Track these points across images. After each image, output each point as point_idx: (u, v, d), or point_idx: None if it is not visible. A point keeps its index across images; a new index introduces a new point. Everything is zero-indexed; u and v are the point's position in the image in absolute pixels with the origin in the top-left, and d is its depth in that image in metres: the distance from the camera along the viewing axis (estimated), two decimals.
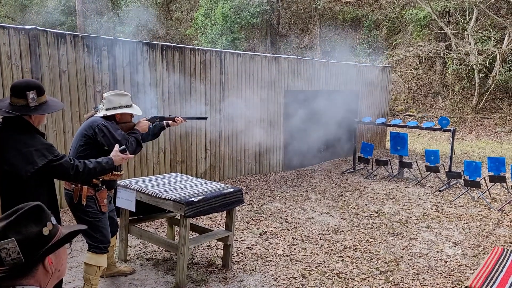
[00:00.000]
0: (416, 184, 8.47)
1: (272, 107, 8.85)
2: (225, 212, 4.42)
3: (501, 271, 2.80)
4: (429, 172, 8.53)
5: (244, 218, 6.18)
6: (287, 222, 6.09)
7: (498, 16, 17.70)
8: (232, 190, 4.28)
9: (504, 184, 7.38)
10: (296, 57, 9.54)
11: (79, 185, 3.34)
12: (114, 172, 3.52)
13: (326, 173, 9.38)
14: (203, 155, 7.83)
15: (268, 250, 5.04)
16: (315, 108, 9.38)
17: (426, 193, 7.84)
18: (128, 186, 4.21)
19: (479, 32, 17.61)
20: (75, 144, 3.51)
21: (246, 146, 8.55)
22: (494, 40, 16.95)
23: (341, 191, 7.94)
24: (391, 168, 9.23)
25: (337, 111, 9.55)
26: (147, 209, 4.60)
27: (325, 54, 20.65)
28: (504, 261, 2.97)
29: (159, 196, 3.97)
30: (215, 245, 5.12)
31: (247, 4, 20.59)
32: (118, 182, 4.38)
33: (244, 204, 6.81)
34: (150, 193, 4.06)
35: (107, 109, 3.51)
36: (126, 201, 4.19)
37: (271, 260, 4.76)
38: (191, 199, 3.87)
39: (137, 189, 4.15)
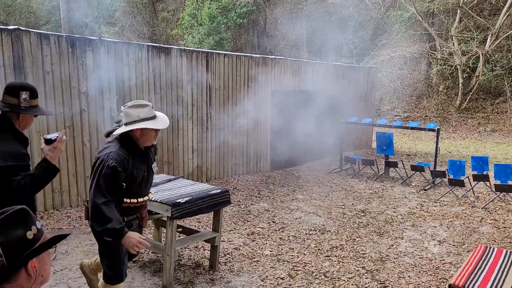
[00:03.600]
0: (401, 183, 8.56)
1: (259, 107, 8.85)
2: (212, 213, 4.42)
3: (484, 268, 2.85)
4: (414, 171, 8.63)
5: (231, 219, 6.18)
6: (275, 222, 6.10)
7: (481, 17, 17.99)
8: (219, 191, 4.28)
9: (487, 183, 7.51)
10: (283, 57, 9.57)
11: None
12: (126, 200, 2.96)
13: (313, 173, 9.42)
14: (190, 155, 7.81)
15: (256, 251, 5.04)
16: (302, 108, 9.42)
17: (411, 192, 7.93)
18: None
19: (463, 33, 17.88)
20: None
21: (233, 147, 8.55)
22: (477, 41, 17.24)
23: (328, 190, 7.99)
24: (377, 168, 9.32)
25: (323, 111, 9.59)
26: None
27: (312, 55, 20.76)
28: (487, 258, 3.02)
29: None
30: (202, 246, 5.11)
31: (233, 5, 20.59)
32: None
33: (232, 204, 6.80)
34: None
35: (125, 124, 2.90)
36: None
37: (258, 261, 4.77)
38: (177, 201, 3.86)
39: None
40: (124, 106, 2.95)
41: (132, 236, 2.79)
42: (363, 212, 6.70)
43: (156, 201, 3.87)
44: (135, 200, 3.00)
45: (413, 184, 8.53)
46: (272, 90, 9.08)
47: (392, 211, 6.80)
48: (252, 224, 6.00)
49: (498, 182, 7.02)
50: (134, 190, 2.96)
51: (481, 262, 2.96)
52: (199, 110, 7.82)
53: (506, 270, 2.84)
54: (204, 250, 5.01)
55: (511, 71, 17.21)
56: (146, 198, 3.14)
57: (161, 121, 3.00)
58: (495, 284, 2.63)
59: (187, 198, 3.95)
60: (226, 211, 6.42)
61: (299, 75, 9.72)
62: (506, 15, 16.44)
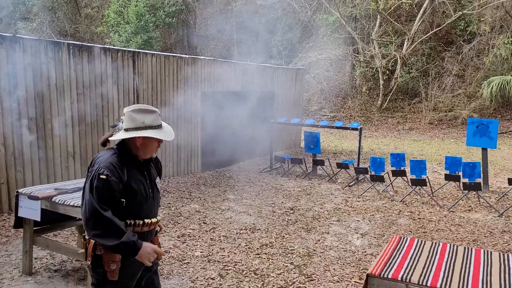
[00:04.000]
0: (328, 181, 8.93)
1: (189, 108, 8.79)
2: None
3: (398, 257, 3.08)
4: (339, 169, 9.04)
5: (161, 222, 6.07)
6: (206, 223, 6.10)
7: (398, 23, 19.26)
8: None
9: (405, 178, 8.06)
10: (213, 58, 9.57)
11: (87, 237, 2.45)
12: (129, 221, 2.47)
13: (244, 172, 9.53)
14: None
15: (186, 253, 5.01)
16: (232, 109, 9.49)
17: (337, 189, 8.30)
18: (31, 194, 3.94)
19: (382, 37, 19.01)
20: None
21: (163, 148, 8.41)
22: (395, 45, 18.43)
23: (258, 190, 8.12)
24: (306, 166, 9.63)
25: (254, 111, 9.74)
26: (56, 218, 4.34)
27: (242, 56, 20.93)
28: (401, 248, 3.26)
29: (68, 204, 3.77)
30: None
31: (162, 3, 20.20)
32: (21, 190, 4.08)
33: (162, 207, 6.69)
34: (57, 201, 3.83)
35: (126, 130, 2.48)
36: (29, 210, 3.92)
37: (188, 262, 4.74)
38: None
39: (43, 197, 3.90)
40: (127, 109, 2.52)
41: (149, 247, 2.37)
42: (292, 209, 6.91)
43: (79, 206, 3.71)
44: (140, 222, 2.47)
45: (338, 181, 8.93)
46: (203, 91, 9.06)
47: (319, 207, 7.07)
48: (183, 226, 5.95)
49: (414, 177, 7.57)
50: (137, 207, 2.47)
51: (395, 251, 3.18)
52: None
53: (417, 257, 3.09)
54: None
55: (425, 73, 18.61)
56: (154, 220, 2.57)
57: (167, 132, 2.59)
58: (407, 271, 2.85)
59: None
60: None
61: (230, 76, 9.79)
62: (420, 21, 17.74)
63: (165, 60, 8.25)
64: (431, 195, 7.57)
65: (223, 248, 5.19)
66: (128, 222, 2.43)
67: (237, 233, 5.74)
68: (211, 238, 5.51)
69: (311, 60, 19.45)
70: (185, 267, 4.62)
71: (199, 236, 5.56)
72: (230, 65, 9.86)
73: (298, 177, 9.23)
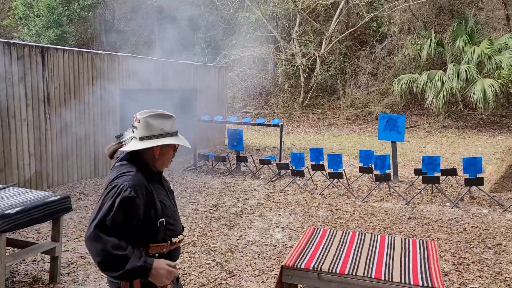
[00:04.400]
0: (251, 177, 9.06)
1: (107, 107, 8.44)
2: (52, 221, 4.08)
3: (311, 248, 3.21)
4: (262, 165, 9.21)
5: (77, 226, 5.78)
6: None
7: (317, 23, 20.02)
8: (57, 197, 3.98)
9: (323, 171, 8.42)
10: (131, 55, 9.27)
11: None
12: (162, 244, 2.18)
13: (168, 172, 9.36)
14: (26, 161, 7.05)
15: None
16: (154, 106, 9.23)
17: (260, 184, 8.45)
18: None
19: (302, 36, 19.64)
20: None
21: (79, 149, 8.00)
22: (314, 44, 19.13)
23: (182, 188, 8.03)
24: (230, 163, 9.70)
25: (176, 109, 9.55)
26: None
27: (164, 52, 20.50)
28: (315, 238, 3.41)
29: None
30: (42, 258, 4.68)
31: None
32: None
33: (78, 211, 6.38)
34: None
35: (141, 138, 2.18)
36: None
37: None
38: (6, 212, 3.48)
39: None
40: (142, 115, 2.23)
41: (161, 265, 2.06)
42: (216, 207, 6.92)
43: None
44: (177, 239, 2.24)
45: (261, 177, 9.10)
46: (121, 88, 8.74)
47: (242, 203, 7.16)
48: None
49: (331, 170, 7.93)
50: (171, 224, 2.22)
51: (309, 242, 3.32)
52: (35, 111, 7.10)
53: (328, 246, 3.25)
54: (44, 262, 4.60)
55: (342, 71, 19.55)
56: (181, 237, 2.32)
57: (183, 139, 2.38)
58: (318, 260, 2.98)
59: (19, 208, 3.59)
60: (71, 219, 5.99)
61: (150, 73, 9.53)
62: (336, 22, 18.59)
63: (78, 57, 7.84)
64: (347, 187, 7.99)
65: None
66: (168, 242, 2.17)
67: None
68: None
69: (235, 57, 19.59)
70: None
71: None
72: (150, 62, 9.61)
73: (222, 175, 9.26)
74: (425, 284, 2.65)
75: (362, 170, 7.93)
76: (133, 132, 2.23)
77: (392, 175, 8.51)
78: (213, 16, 21.54)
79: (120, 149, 2.24)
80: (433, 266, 2.88)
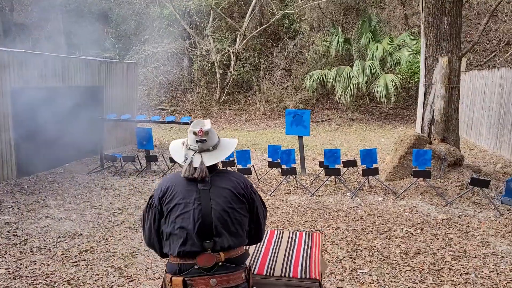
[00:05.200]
0: (162, 176, 8.86)
1: None
2: None
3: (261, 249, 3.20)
4: (173, 163, 9.05)
5: None
6: (16, 235, 5.47)
7: (232, 19, 20.08)
8: None
9: (234, 167, 8.47)
10: (24, 50, 8.58)
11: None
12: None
13: (71, 175, 8.85)
14: None
15: None
16: (54, 106, 8.66)
17: None
18: None
19: (216, 33, 19.60)
20: (226, 205, 2.28)
21: None
22: (229, 40, 19.18)
23: (85, 192, 7.63)
24: (140, 163, 9.40)
25: (80, 108, 9.08)
26: None
27: (71, 48, 19.33)
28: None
29: None
30: None
31: None
32: None
33: None
34: None
35: (215, 147, 2.38)
36: None
37: None
38: None
39: None
40: (206, 126, 2.33)
41: None
42: (121, 209, 6.67)
43: None
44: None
45: None
46: (13, 87, 8.06)
47: None
48: None
49: (240, 167, 8.01)
50: None
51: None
52: None
53: (278, 245, 3.25)
54: None
55: (257, 67, 19.84)
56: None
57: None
58: (271, 260, 2.98)
59: None
60: None
61: (48, 69, 8.91)
62: (249, 18, 18.79)
63: None
64: (257, 182, 8.11)
65: (35, 261, 4.73)
66: None
67: (53, 242, 5.29)
68: (20, 252, 4.97)
69: (148, 53, 19.02)
70: None
71: (5, 251, 4.96)
72: (47, 58, 8.98)
73: (131, 175, 8.95)
74: (303, 276, 2.74)
75: (271, 164, 8.11)
76: (196, 142, 2.31)
77: (300, 168, 8.82)
78: (124, 10, 20.69)
79: (218, 163, 2.41)
80: (314, 257, 3.00)
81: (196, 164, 2.25)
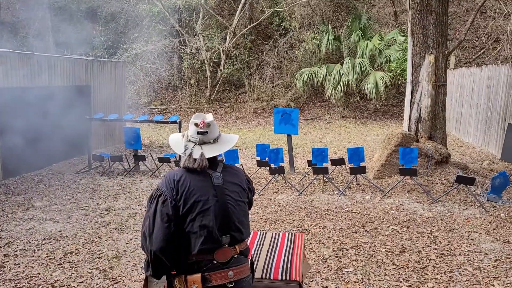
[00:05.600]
0: (151, 176, 8.82)
1: None
2: None
3: None
4: (162, 163, 9.01)
5: None
6: (0, 238, 5.42)
7: (221, 17, 20.01)
8: None
9: None
10: (7, 50, 8.48)
11: None
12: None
13: (58, 175, 8.78)
14: None
15: None
16: (40, 106, 8.58)
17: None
18: None
19: (206, 30, 19.52)
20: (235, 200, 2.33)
21: None
22: (219, 38, 19.11)
23: (72, 192, 7.58)
24: (128, 163, 9.35)
25: (68, 108, 8.99)
26: None
27: (59, 46, 19.16)
28: None
29: None
30: None
31: None
32: None
33: None
34: None
35: (215, 141, 2.36)
36: None
37: None
38: None
39: None
40: (208, 118, 2.32)
41: None
42: (107, 210, 6.63)
43: None
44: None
45: (161, 175, 8.90)
46: None
47: (137, 205, 6.93)
48: None
49: None
50: None
51: None
52: None
53: (260, 246, 3.24)
54: None
55: (248, 65, 19.80)
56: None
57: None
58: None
59: None
60: None
61: (33, 69, 8.81)
62: (239, 16, 18.73)
63: None
64: None
65: (19, 264, 4.69)
66: None
67: (38, 244, 5.25)
68: (5, 254, 4.93)
69: (137, 51, 18.89)
70: None
71: None
72: (32, 58, 8.88)
73: (119, 175, 8.90)
74: (284, 278, 2.74)
75: (259, 163, 8.10)
76: (197, 135, 2.30)
77: (289, 167, 8.82)
78: (113, 7, 20.52)
79: (219, 154, 2.35)
80: (295, 259, 3.00)
81: (196, 155, 2.25)
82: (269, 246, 3.25)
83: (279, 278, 2.75)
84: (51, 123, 8.73)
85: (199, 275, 2.15)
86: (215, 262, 2.18)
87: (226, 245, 2.22)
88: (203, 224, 2.17)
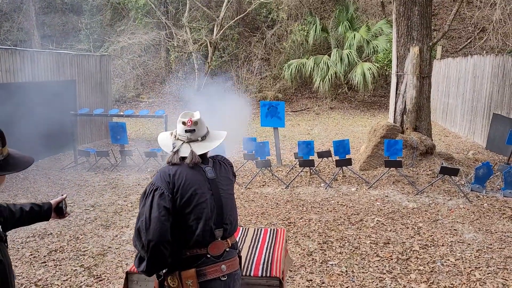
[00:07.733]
0: (137, 171, 8.77)
1: None
2: None
3: None
4: (148, 158, 8.96)
5: None
6: None
7: (208, 9, 19.83)
8: None
9: None
10: None
11: None
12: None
13: (43, 171, 8.70)
14: None
15: None
16: (23, 102, 8.46)
17: (146, 178, 8.22)
18: None
19: (193, 23, 19.35)
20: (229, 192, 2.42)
21: None
22: (206, 30, 18.97)
23: (58, 189, 7.52)
24: (115, 158, 9.28)
25: (52, 103, 8.87)
26: None
27: (45, 40, 18.89)
28: None
29: None
30: None
31: None
32: None
33: None
34: None
35: (204, 138, 2.35)
36: None
37: None
38: None
39: None
40: (195, 116, 2.30)
41: None
42: (93, 206, 6.59)
43: None
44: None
45: (148, 170, 8.85)
46: None
47: (123, 200, 6.90)
48: None
49: None
50: None
51: None
52: None
53: (242, 242, 3.24)
54: None
55: (236, 57, 19.70)
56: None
57: None
58: None
59: None
60: None
61: (13, 65, 8.68)
62: (226, 8, 18.59)
63: None
64: None
65: None
66: None
67: (22, 243, 5.21)
68: None
69: (124, 44, 18.68)
70: None
71: None
72: (12, 53, 8.74)
73: (106, 170, 8.83)
74: (264, 274, 2.75)
75: (246, 157, 8.10)
76: (196, 130, 2.30)
77: (276, 159, 8.84)
78: (98, 0, 20.24)
79: (210, 150, 2.35)
80: (276, 255, 3.01)
81: (184, 153, 2.26)
82: (251, 242, 3.26)
83: (260, 274, 2.75)
84: (36, 119, 8.62)
85: (193, 270, 2.15)
86: (208, 256, 2.19)
87: (219, 239, 2.23)
88: (200, 216, 2.18)
